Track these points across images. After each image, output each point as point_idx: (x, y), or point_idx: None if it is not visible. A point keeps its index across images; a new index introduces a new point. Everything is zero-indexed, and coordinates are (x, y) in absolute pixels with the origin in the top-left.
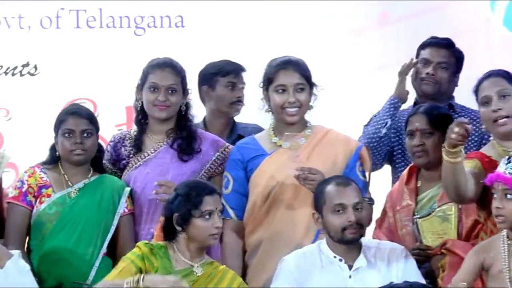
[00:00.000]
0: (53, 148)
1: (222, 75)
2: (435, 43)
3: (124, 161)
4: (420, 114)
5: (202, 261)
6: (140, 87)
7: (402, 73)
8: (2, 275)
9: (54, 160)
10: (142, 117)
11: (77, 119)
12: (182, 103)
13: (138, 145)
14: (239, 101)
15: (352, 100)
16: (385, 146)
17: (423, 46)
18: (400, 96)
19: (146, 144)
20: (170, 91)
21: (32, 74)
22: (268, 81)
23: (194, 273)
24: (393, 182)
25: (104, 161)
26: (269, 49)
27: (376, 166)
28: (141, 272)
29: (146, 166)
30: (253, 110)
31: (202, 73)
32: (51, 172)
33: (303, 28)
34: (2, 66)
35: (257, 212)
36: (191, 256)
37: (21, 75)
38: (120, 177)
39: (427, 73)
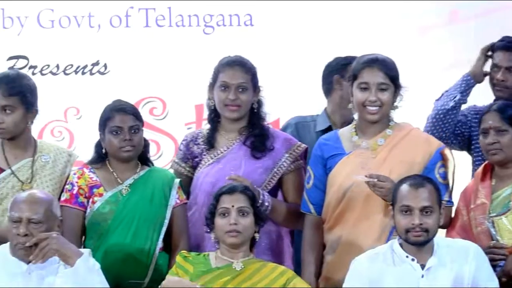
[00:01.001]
0: (98, 146)
1: None
2: (502, 46)
3: (196, 159)
4: (493, 112)
5: (245, 258)
6: (211, 86)
7: (483, 50)
8: (73, 273)
9: (101, 158)
10: (214, 116)
11: (124, 116)
12: (254, 100)
13: (211, 142)
14: None
15: (422, 99)
16: (452, 121)
17: (494, 49)
18: (474, 74)
19: (219, 142)
20: (240, 89)
21: (102, 73)
22: (353, 77)
23: (234, 268)
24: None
25: (176, 160)
26: (338, 48)
27: (442, 141)
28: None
29: (218, 162)
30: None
31: (333, 63)
32: (100, 171)
33: (372, 27)
34: (72, 65)
35: (333, 211)
36: (230, 254)
37: (91, 74)
38: (192, 177)
39: (497, 79)
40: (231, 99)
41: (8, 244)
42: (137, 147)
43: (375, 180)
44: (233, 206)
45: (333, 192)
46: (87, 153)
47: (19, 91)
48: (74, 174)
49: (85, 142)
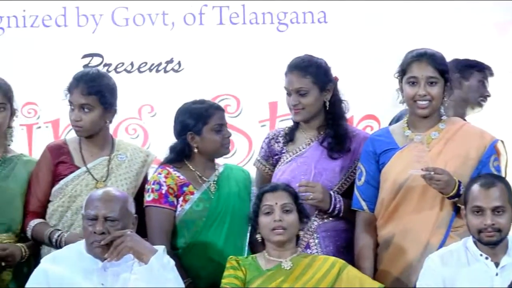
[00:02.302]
0: (181, 148)
1: (478, 70)
2: None
3: (276, 157)
4: None
5: (292, 256)
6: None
7: None
8: (147, 271)
9: (180, 158)
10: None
11: (222, 113)
12: (326, 99)
13: (290, 140)
14: (485, 97)
15: (497, 96)
16: None
17: None
18: None
19: (298, 140)
20: (300, 94)
21: (176, 71)
22: (402, 72)
23: (283, 267)
24: None
25: (258, 158)
26: (410, 44)
27: None
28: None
29: (295, 160)
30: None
31: (454, 62)
32: (183, 170)
33: (446, 23)
34: (146, 63)
35: (387, 206)
36: (277, 253)
37: (165, 71)
38: (271, 174)
39: None
40: (293, 104)
41: (83, 241)
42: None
43: (432, 173)
44: (276, 203)
45: (388, 187)
46: (162, 151)
47: (98, 91)
48: (159, 174)
49: (159, 139)
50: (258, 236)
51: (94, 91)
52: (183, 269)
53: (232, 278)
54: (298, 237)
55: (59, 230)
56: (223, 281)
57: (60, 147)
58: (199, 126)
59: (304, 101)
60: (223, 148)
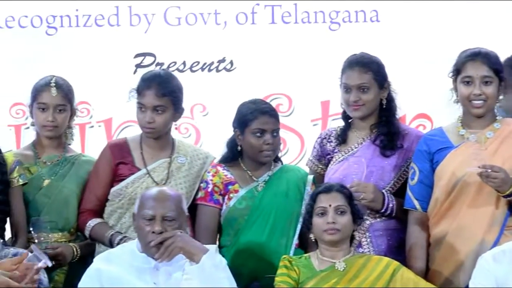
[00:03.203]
0: (232, 144)
1: None
2: None
3: (328, 156)
4: None
5: (346, 257)
6: (340, 86)
7: None
8: (198, 270)
9: (234, 156)
10: (347, 113)
11: (268, 118)
12: (383, 96)
13: (343, 140)
14: None
15: None
16: None
17: None
18: None
19: (350, 139)
20: (361, 90)
21: (228, 70)
22: (456, 72)
23: (337, 268)
24: None
25: (311, 158)
26: (464, 43)
27: None
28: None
29: (347, 160)
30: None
31: None
32: (234, 169)
33: (500, 22)
34: (198, 62)
35: (441, 205)
36: (330, 253)
37: (217, 70)
38: (324, 174)
39: None
40: (353, 101)
41: (135, 240)
42: (276, 150)
43: (489, 170)
44: (330, 205)
45: (442, 185)
46: (213, 150)
47: (171, 91)
48: (208, 172)
49: (212, 139)
50: (311, 236)
51: (168, 92)
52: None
53: (286, 277)
54: (352, 237)
55: (120, 233)
56: (277, 279)
57: (122, 147)
58: (242, 126)
59: (365, 97)
60: (261, 154)
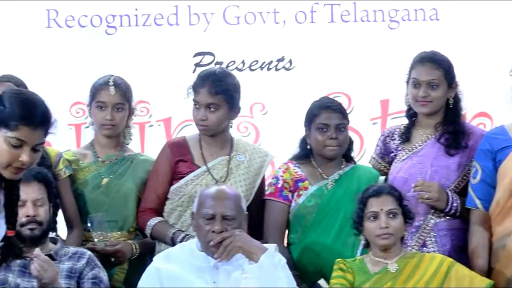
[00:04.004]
0: (303, 142)
1: None
2: None
3: (392, 154)
4: None
5: (398, 257)
6: (407, 82)
7: None
8: (257, 269)
9: (305, 154)
10: (411, 111)
11: (331, 114)
12: (450, 96)
13: (406, 138)
14: None
15: None
16: None
17: None
18: None
19: (414, 137)
20: (431, 86)
21: (287, 69)
22: None
23: (389, 270)
24: None
25: (374, 156)
26: None
27: None
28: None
29: (411, 158)
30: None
31: None
32: (305, 167)
33: None
34: (257, 61)
35: (504, 203)
36: (382, 254)
37: (276, 69)
38: (387, 172)
39: None
40: (421, 96)
41: (195, 239)
42: (343, 146)
43: None
44: (382, 209)
45: (505, 184)
46: (272, 149)
47: (226, 90)
48: (279, 168)
49: (271, 137)
50: (361, 238)
51: (221, 90)
52: (293, 262)
53: (342, 279)
54: (402, 237)
55: (182, 231)
56: (332, 281)
57: (181, 145)
58: (309, 123)
59: (434, 94)
60: (325, 149)
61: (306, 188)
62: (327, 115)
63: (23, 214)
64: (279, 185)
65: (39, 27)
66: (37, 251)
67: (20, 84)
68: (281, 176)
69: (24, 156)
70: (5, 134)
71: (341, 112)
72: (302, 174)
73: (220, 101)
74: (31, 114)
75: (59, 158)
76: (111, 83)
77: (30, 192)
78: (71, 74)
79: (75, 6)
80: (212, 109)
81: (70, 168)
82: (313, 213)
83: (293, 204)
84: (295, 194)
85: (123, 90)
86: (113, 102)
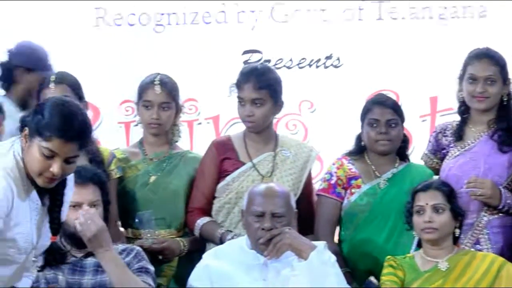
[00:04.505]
0: (358, 138)
1: None
2: None
3: (444, 151)
4: None
5: (449, 255)
6: (461, 78)
7: None
8: (307, 267)
9: (360, 150)
10: (464, 108)
11: (383, 109)
12: (504, 93)
13: (459, 135)
14: None
15: None
16: None
17: None
18: None
19: (467, 134)
20: (488, 82)
21: (336, 66)
22: None
23: (439, 268)
24: None
25: (426, 152)
26: None
27: None
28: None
29: (464, 155)
30: None
31: None
32: (358, 163)
33: None
34: (305, 59)
35: None
36: (433, 252)
37: (325, 67)
38: (439, 169)
39: None
40: (479, 92)
41: (244, 237)
42: (394, 141)
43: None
44: (427, 203)
45: None
46: (321, 146)
47: (269, 84)
48: (333, 164)
49: (319, 135)
50: (414, 234)
51: (266, 85)
52: (343, 258)
53: (393, 276)
54: (455, 234)
55: (231, 231)
56: (383, 278)
57: (225, 143)
58: (362, 119)
59: (491, 90)
60: (377, 144)
61: (359, 186)
62: (378, 111)
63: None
64: (333, 182)
65: (87, 26)
66: (84, 207)
67: (74, 84)
68: (335, 172)
69: (55, 168)
70: (39, 143)
71: (393, 108)
72: (355, 172)
73: (265, 95)
74: (66, 127)
75: (112, 158)
76: (156, 82)
77: (86, 194)
78: (120, 72)
79: (123, 4)
80: (258, 104)
81: (121, 169)
82: (365, 211)
83: (345, 201)
84: (348, 191)
85: (169, 89)
86: (159, 101)
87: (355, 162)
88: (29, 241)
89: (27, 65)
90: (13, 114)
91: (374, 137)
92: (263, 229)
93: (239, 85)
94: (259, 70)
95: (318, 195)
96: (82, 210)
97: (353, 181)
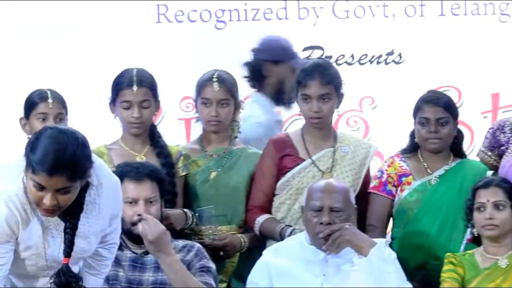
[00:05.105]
0: (412, 136)
1: None
2: None
3: (502, 147)
4: None
5: (509, 253)
6: None
7: None
8: (366, 263)
9: (413, 147)
10: None
11: (433, 107)
12: None
13: None
14: None
15: None
16: None
17: None
18: None
19: None
20: None
21: (397, 62)
22: None
23: (499, 265)
24: None
25: (482, 149)
26: None
27: None
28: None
29: None
30: None
31: None
32: (411, 161)
33: None
34: (367, 55)
35: None
36: (493, 249)
37: (386, 63)
38: (498, 166)
39: None
40: None
41: (303, 232)
42: (444, 140)
43: None
44: (488, 200)
45: None
46: (382, 143)
47: (334, 78)
48: (385, 162)
49: (380, 132)
50: (474, 231)
51: (331, 80)
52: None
53: (453, 273)
54: None
55: (290, 226)
56: (443, 275)
57: (284, 141)
58: (414, 117)
59: None
60: (426, 143)
61: (409, 183)
62: (428, 109)
63: (134, 212)
64: (383, 179)
65: (149, 23)
66: (144, 214)
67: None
68: (386, 170)
69: (47, 199)
70: (30, 175)
71: (444, 106)
72: (406, 169)
73: (331, 90)
74: (50, 161)
75: (179, 156)
76: (214, 79)
77: (142, 190)
78: (180, 69)
79: (184, 1)
80: (325, 99)
81: (188, 168)
82: (415, 208)
83: (396, 198)
84: (399, 188)
85: (228, 86)
86: (218, 98)
87: (407, 159)
88: (43, 259)
89: (273, 58)
90: (269, 109)
91: (424, 135)
92: (321, 223)
93: (303, 82)
94: (323, 66)
95: (369, 192)
96: (143, 217)
97: (403, 178)
